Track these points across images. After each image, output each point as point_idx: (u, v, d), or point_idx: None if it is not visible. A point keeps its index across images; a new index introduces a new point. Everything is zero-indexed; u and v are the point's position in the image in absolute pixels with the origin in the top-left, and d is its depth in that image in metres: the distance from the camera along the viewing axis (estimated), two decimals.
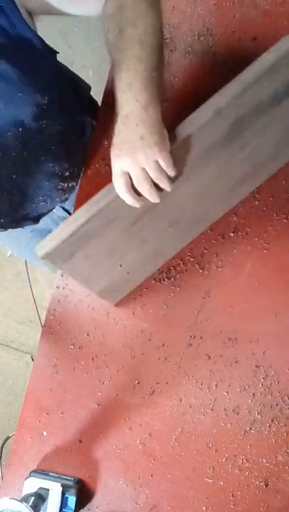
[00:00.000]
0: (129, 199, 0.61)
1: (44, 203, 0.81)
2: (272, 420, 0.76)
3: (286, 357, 0.77)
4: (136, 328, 0.82)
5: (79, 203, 0.86)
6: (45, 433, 0.84)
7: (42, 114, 0.61)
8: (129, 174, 0.60)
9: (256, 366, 0.77)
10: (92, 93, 0.93)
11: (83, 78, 0.89)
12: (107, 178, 0.61)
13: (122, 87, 0.59)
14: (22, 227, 0.86)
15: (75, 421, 0.83)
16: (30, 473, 0.81)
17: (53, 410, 0.84)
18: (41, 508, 0.76)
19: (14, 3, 0.58)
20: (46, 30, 0.69)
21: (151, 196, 0.61)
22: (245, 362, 0.78)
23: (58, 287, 0.85)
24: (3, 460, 0.90)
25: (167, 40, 0.83)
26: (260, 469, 0.75)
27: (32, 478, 0.79)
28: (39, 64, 0.61)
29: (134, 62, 0.58)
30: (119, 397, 0.82)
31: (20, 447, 0.85)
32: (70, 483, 0.79)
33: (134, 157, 0.58)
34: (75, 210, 0.89)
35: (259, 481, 0.75)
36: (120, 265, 0.75)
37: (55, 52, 0.64)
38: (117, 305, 0.83)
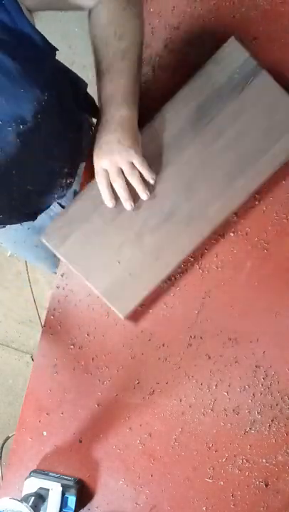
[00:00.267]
0: (106, 195, 0.73)
1: (42, 200, 0.81)
2: (272, 420, 0.76)
3: (286, 357, 0.77)
4: (136, 328, 0.82)
5: None
6: (45, 433, 0.84)
7: (42, 110, 0.61)
8: (107, 171, 0.71)
9: (256, 366, 0.77)
10: (91, 93, 0.93)
11: (83, 78, 0.89)
12: None
13: (104, 96, 0.69)
14: (20, 223, 0.86)
15: (75, 421, 0.83)
16: (30, 473, 0.81)
17: (53, 410, 0.84)
18: (41, 508, 0.76)
19: None
20: (46, 30, 0.69)
21: (125, 192, 0.72)
22: (245, 362, 0.78)
23: (58, 287, 0.85)
24: (3, 460, 0.90)
25: (167, 40, 0.83)
26: (260, 469, 0.76)
27: (32, 478, 0.79)
28: (39, 60, 0.61)
29: (118, 76, 0.68)
30: (119, 397, 0.82)
31: (20, 447, 0.85)
32: (70, 483, 0.79)
33: (111, 157, 0.70)
34: None
35: (259, 481, 0.75)
36: (118, 262, 0.76)
37: (55, 49, 0.64)
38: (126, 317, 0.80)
